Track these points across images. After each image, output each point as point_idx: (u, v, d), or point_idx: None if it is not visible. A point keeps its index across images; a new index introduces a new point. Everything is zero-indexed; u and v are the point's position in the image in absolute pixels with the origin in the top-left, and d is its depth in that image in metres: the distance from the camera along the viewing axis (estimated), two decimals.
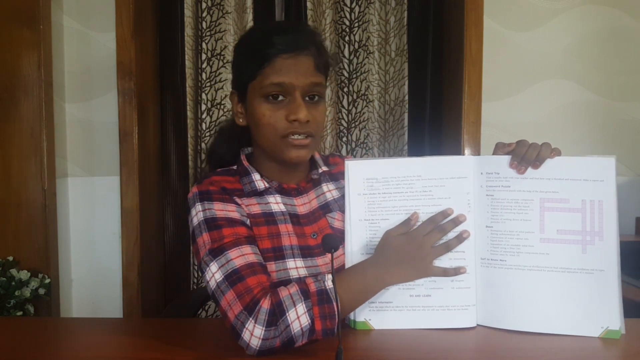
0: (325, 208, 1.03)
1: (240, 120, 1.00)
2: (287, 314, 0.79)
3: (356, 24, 2.17)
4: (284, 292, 0.82)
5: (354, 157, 2.20)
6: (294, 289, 0.82)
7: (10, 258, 1.82)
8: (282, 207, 0.98)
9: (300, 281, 0.85)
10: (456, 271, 0.90)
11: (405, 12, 2.15)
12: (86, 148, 2.04)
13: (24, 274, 1.77)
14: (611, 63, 2.06)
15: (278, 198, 0.99)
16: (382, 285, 0.90)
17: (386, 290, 0.92)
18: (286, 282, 0.87)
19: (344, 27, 2.17)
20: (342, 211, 1.02)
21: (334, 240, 0.86)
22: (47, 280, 1.81)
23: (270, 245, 0.94)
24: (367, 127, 2.20)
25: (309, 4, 2.13)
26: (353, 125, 2.20)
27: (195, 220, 0.92)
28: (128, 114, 1.98)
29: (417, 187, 0.92)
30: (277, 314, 0.80)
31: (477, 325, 0.92)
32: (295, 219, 0.98)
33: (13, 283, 1.75)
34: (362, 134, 2.20)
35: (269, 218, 0.96)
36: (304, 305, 0.80)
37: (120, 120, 1.99)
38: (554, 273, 0.89)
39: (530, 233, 0.90)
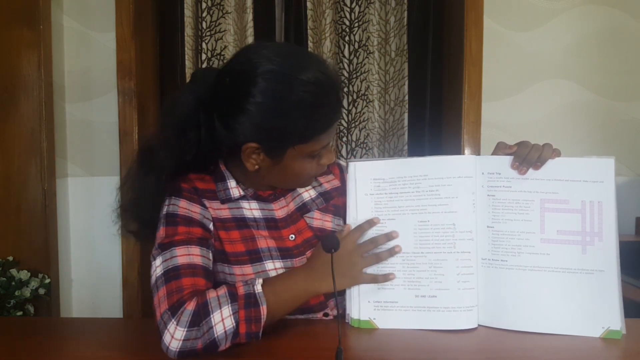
0: (303, 209, 1.02)
1: (256, 167, 0.90)
2: (211, 316, 0.79)
3: (356, 24, 2.17)
4: (211, 294, 0.81)
5: (354, 157, 2.20)
6: (222, 291, 0.82)
7: (10, 258, 1.82)
8: (257, 213, 0.97)
9: (231, 284, 0.84)
10: (385, 277, 0.91)
11: (405, 12, 2.15)
12: (86, 148, 2.04)
13: (24, 274, 1.77)
14: (611, 63, 2.06)
15: (253, 204, 0.98)
16: (313, 293, 0.89)
17: (392, 290, 0.92)
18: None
19: (344, 27, 2.17)
20: (320, 210, 1.02)
21: (333, 241, 0.86)
22: (47, 280, 1.81)
23: (244, 249, 0.94)
24: (367, 127, 2.20)
25: (309, 4, 2.13)
26: (353, 125, 2.20)
27: (160, 214, 0.92)
28: (128, 114, 1.98)
29: (423, 187, 0.92)
30: (201, 315, 0.79)
31: (478, 325, 0.92)
32: (272, 223, 0.97)
33: (13, 283, 1.75)
34: (362, 134, 2.20)
35: (241, 222, 0.95)
36: (229, 307, 0.79)
37: (120, 120, 1.99)
38: (555, 273, 0.89)
39: (531, 233, 0.90)
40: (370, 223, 0.93)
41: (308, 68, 0.83)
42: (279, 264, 0.94)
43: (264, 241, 0.95)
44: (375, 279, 0.91)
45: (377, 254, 0.91)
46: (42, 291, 1.79)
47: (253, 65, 0.84)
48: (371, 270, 0.92)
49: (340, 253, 0.88)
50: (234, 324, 0.79)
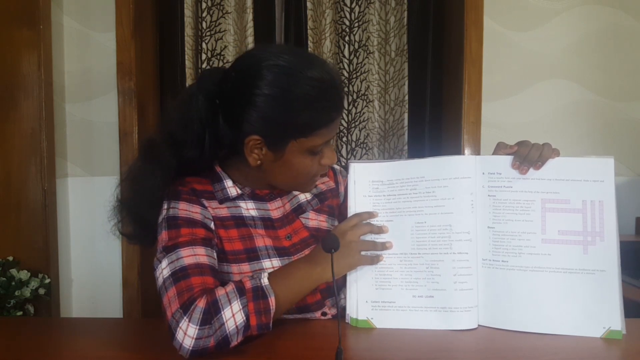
0: (299, 210, 1.03)
1: (258, 162, 0.91)
2: (222, 312, 0.79)
3: (356, 24, 2.17)
4: (220, 291, 0.82)
5: (354, 157, 2.20)
6: (230, 287, 0.82)
7: (10, 258, 1.82)
8: (253, 213, 0.98)
9: (238, 281, 0.85)
10: (378, 259, 0.93)
11: (405, 12, 2.15)
12: (86, 148, 2.04)
13: (24, 274, 1.77)
14: (611, 63, 2.06)
15: (250, 204, 0.98)
16: (318, 280, 0.90)
17: (389, 290, 0.92)
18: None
19: (344, 27, 2.17)
20: (315, 210, 1.04)
21: (334, 241, 0.86)
22: (47, 280, 1.81)
23: (242, 247, 0.94)
24: (367, 127, 2.20)
25: (309, 4, 2.13)
26: (353, 125, 2.20)
27: (160, 218, 0.92)
28: (128, 114, 1.98)
29: (420, 188, 0.92)
30: (212, 312, 0.79)
31: (479, 325, 0.92)
32: (269, 222, 0.98)
33: (13, 283, 1.74)
34: (362, 134, 2.20)
35: (239, 221, 0.96)
36: (239, 302, 0.80)
37: (120, 120, 1.99)
38: (556, 274, 0.89)
39: (532, 234, 0.90)
40: (370, 214, 0.94)
41: (313, 66, 0.87)
42: (276, 262, 0.94)
43: (262, 240, 0.96)
44: (373, 260, 0.93)
45: (374, 242, 0.93)
46: (42, 291, 1.79)
47: (260, 60, 0.87)
48: (371, 268, 0.94)
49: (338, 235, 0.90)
50: (244, 318, 0.79)
